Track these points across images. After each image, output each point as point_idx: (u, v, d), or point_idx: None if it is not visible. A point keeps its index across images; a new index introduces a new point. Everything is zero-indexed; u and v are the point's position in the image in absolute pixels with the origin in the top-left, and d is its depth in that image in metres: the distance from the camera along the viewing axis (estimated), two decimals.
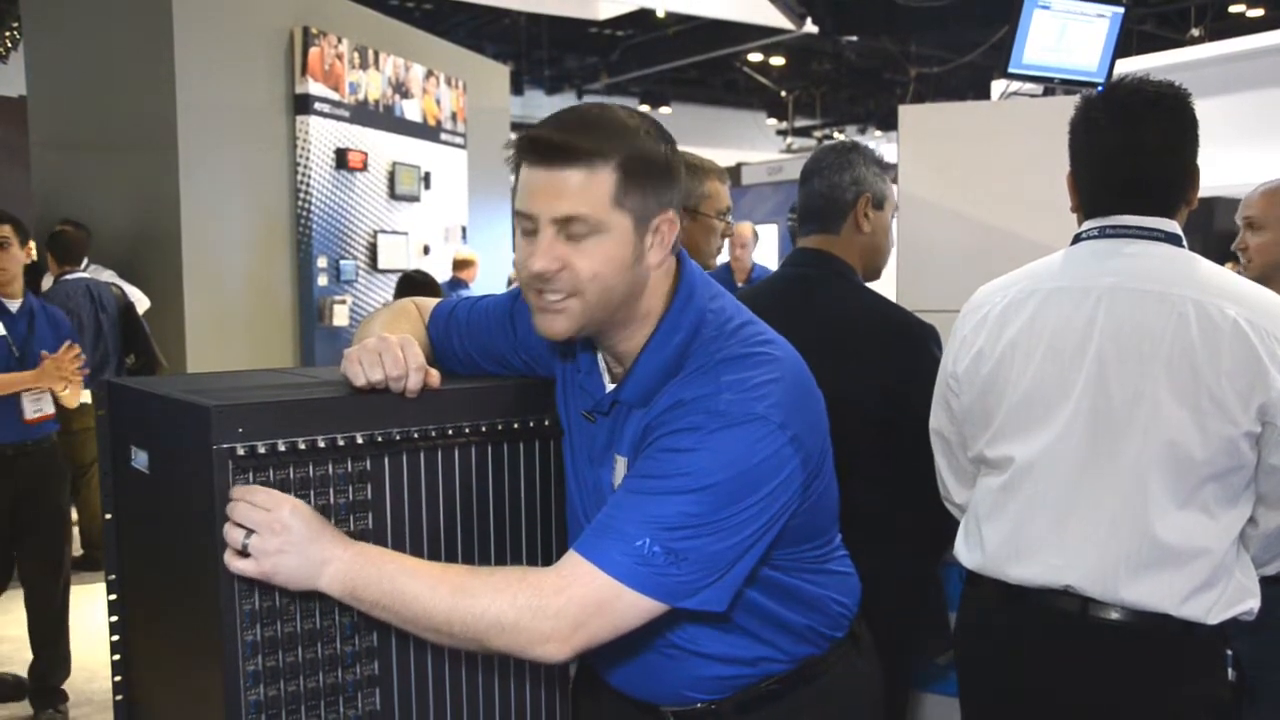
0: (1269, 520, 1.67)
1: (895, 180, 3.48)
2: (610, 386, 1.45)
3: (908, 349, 2.06)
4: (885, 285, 2.72)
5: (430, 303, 1.67)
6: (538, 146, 1.29)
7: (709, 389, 1.31)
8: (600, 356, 1.47)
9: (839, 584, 1.53)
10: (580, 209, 1.28)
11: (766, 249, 11.06)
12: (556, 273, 1.30)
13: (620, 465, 1.41)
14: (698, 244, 2.45)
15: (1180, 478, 1.60)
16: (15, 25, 9.61)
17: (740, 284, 6.59)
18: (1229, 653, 1.67)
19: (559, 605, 1.25)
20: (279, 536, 1.23)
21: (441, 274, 8.35)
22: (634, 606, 1.27)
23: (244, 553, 1.24)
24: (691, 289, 1.41)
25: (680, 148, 1.43)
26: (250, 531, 1.23)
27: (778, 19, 12.26)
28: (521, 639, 1.25)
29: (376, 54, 7.83)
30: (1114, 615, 1.64)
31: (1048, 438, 1.70)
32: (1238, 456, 1.60)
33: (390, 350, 1.37)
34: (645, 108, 16.17)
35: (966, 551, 1.83)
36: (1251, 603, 1.64)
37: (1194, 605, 1.60)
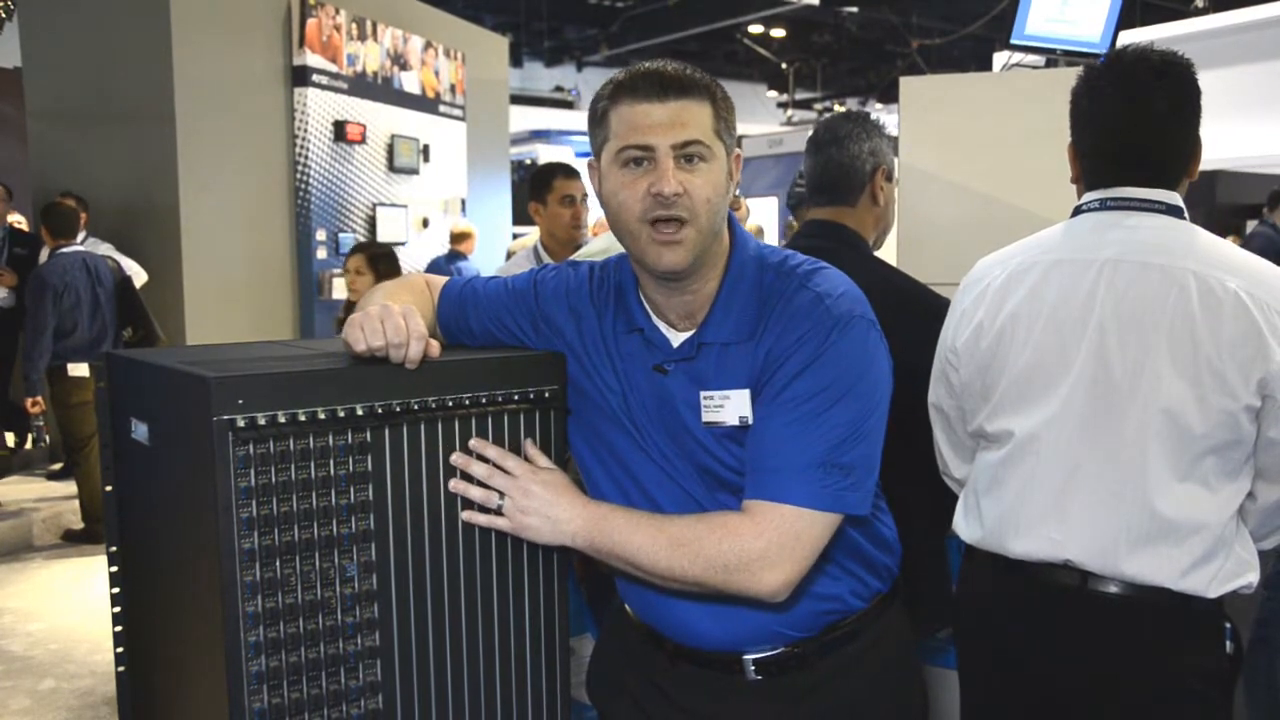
0: (1268, 494, 1.67)
1: (896, 152, 3.47)
2: (680, 336, 1.51)
3: (920, 322, 2.03)
4: (885, 257, 2.71)
5: (439, 280, 1.68)
6: (662, 81, 1.41)
7: (809, 302, 1.44)
8: (654, 315, 1.53)
9: (891, 522, 1.62)
10: (696, 134, 1.41)
11: (765, 222, 11.02)
12: (680, 197, 1.40)
13: (736, 397, 1.46)
14: None
15: (1180, 451, 1.60)
16: None
17: None
18: (1228, 625, 1.67)
19: (761, 547, 1.39)
20: (526, 500, 1.45)
21: (440, 246, 8.35)
22: (826, 526, 1.42)
23: (489, 509, 1.45)
24: (744, 234, 1.54)
25: None
26: (500, 492, 1.45)
27: None
28: (736, 581, 1.40)
29: (375, 25, 7.78)
30: (1113, 589, 1.64)
31: (1048, 411, 1.69)
32: (1237, 430, 1.59)
33: (392, 318, 1.38)
34: None
35: (966, 526, 1.83)
36: (1251, 576, 1.64)
37: (1194, 579, 1.60)
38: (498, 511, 1.46)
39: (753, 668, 1.53)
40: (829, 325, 1.41)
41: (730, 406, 1.46)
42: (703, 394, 1.48)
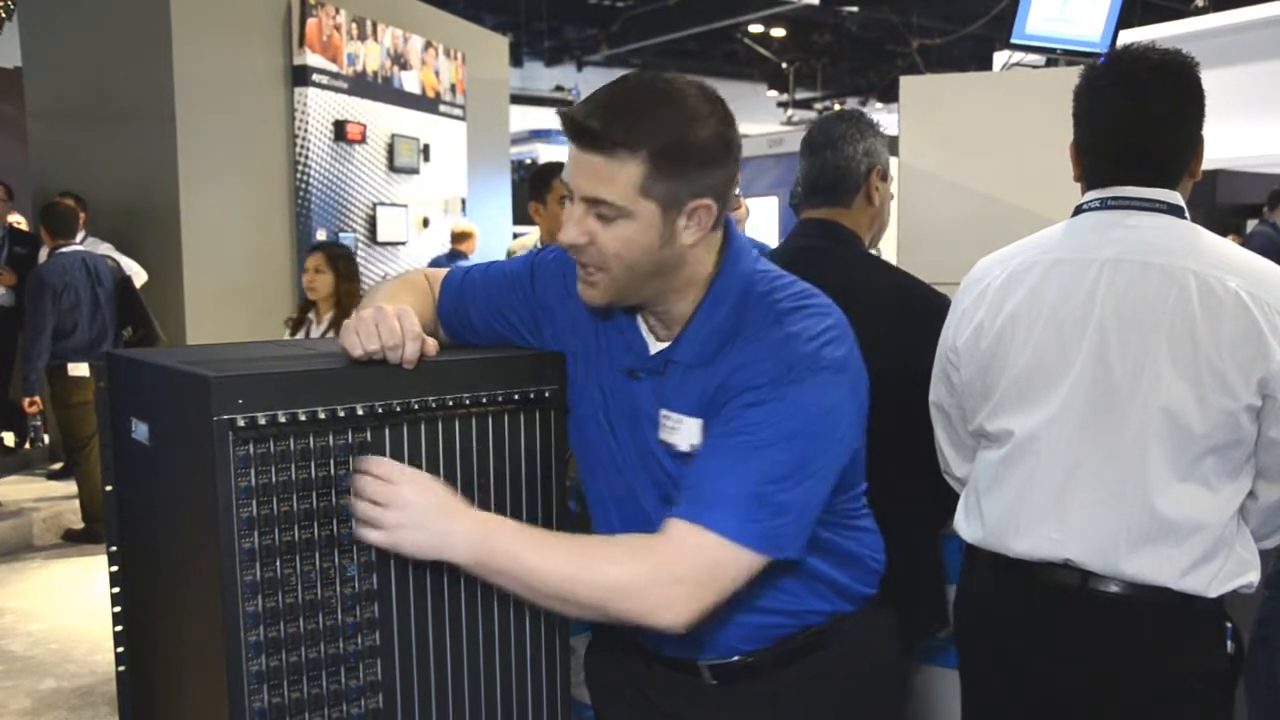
0: (1268, 494, 1.67)
1: (895, 152, 3.47)
2: (657, 345, 1.47)
3: (920, 321, 2.02)
4: (885, 257, 2.70)
5: (440, 274, 1.67)
6: (571, 128, 1.33)
7: (777, 341, 1.36)
8: (639, 316, 1.50)
9: (872, 541, 1.58)
10: (605, 194, 1.32)
11: (767, 222, 11.03)
12: (584, 246, 1.36)
13: (689, 425, 1.42)
14: None
15: (1180, 451, 1.60)
16: None
17: None
18: (1229, 625, 1.67)
19: (679, 572, 1.30)
20: (401, 511, 1.30)
21: (440, 246, 8.35)
22: (747, 563, 1.32)
23: (363, 522, 1.31)
24: (739, 253, 1.46)
25: None
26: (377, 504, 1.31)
27: None
28: (643, 606, 1.30)
29: (375, 25, 7.77)
30: (1113, 589, 1.64)
31: (1048, 411, 1.69)
32: (1238, 430, 1.59)
33: (386, 321, 1.37)
34: None
35: (966, 525, 1.83)
36: (1252, 576, 1.64)
37: (1194, 578, 1.60)
38: (374, 524, 1.31)
39: (709, 673, 1.52)
40: (790, 366, 1.34)
41: (683, 431, 1.43)
42: (662, 412, 1.45)
